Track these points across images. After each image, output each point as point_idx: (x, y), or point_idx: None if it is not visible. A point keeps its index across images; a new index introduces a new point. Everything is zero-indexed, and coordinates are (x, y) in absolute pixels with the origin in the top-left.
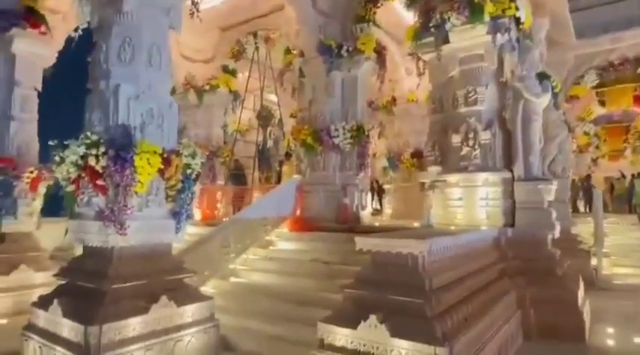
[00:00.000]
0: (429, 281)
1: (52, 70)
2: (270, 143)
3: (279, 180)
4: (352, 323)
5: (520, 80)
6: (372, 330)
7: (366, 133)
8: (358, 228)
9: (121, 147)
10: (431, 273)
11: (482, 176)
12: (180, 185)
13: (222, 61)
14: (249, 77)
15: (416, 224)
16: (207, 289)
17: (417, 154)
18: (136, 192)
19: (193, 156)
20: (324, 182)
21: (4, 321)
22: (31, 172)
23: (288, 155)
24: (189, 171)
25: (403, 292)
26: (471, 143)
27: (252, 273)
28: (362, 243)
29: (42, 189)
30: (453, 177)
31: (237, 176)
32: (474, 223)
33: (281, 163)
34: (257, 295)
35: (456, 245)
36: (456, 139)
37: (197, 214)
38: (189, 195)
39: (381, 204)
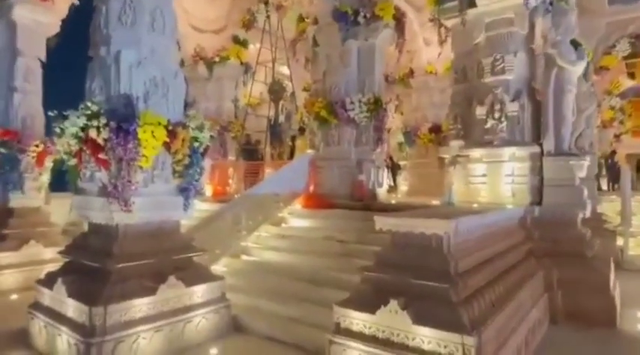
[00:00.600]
0: (455, 264)
1: (56, 39)
2: (282, 118)
3: (291, 156)
4: (371, 307)
5: (554, 46)
6: (392, 316)
7: (384, 106)
8: (374, 205)
9: (123, 118)
10: (456, 255)
11: (509, 151)
12: (187, 160)
13: (232, 32)
14: (260, 48)
15: (435, 202)
16: (217, 267)
17: (435, 129)
18: (141, 167)
19: (201, 128)
20: (338, 157)
21: (15, 297)
22: (37, 146)
23: (301, 130)
24: (196, 145)
25: (427, 276)
26: (497, 115)
27: (265, 251)
28: (382, 222)
29: (49, 163)
30: (476, 152)
31: (249, 151)
32: (498, 201)
33: (294, 138)
34: (269, 274)
35: (483, 225)
36: (480, 111)
37: (208, 190)
38: (198, 170)
39: (395, 181)
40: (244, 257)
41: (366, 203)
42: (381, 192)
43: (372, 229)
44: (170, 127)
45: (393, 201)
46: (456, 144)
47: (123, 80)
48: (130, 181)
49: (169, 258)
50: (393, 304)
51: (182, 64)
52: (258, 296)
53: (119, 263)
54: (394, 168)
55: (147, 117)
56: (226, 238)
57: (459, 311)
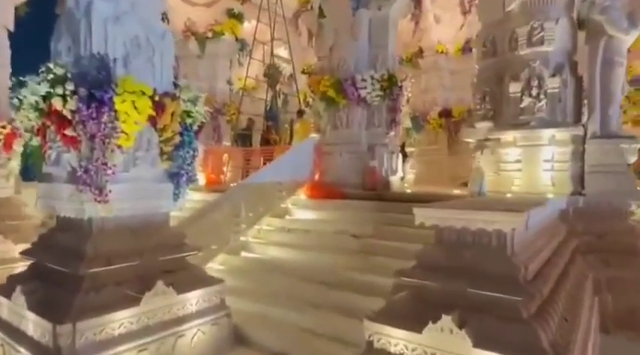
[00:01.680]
0: (524, 269)
1: (25, 8)
2: (278, 102)
3: (290, 142)
4: (414, 323)
5: (602, 12)
6: (445, 336)
7: (399, 84)
8: (388, 195)
9: (96, 84)
10: (523, 258)
11: (548, 133)
12: (178, 138)
13: (226, 5)
14: (257, 23)
15: (457, 191)
16: (214, 266)
17: (446, 113)
18: (120, 147)
19: (195, 101)
20: (347, 141)
21: None
22: (3, 127)
23: (300, 112)
24: (189, 121)
25: (487, 284)
26: (534, 92)
27: (268, 247)
28: (424, 215)
29: (18, 147)
30: (508, 135)
31: (247, 137)
32: (535, 190)
33: (292, 123)
34: (274, 273)
35: (542, 219)
36: (514, 88)
37: (201, 179)
38: (190, 152)
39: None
40: (244, 253)
41: (379, 192)
42: (395, 181)
43: (389, 221)
44: (156, 98)
45: (409, 190)
46: (484, 126)
47: (96, 38)
48: (105, 164)
49: (157, 259)
50: (446, 321)
51: None
52: (264, 301)
53: (93, 266)
54: (402, 155)
55: (127, 84)
56: (223, 232)
57: (534, 331)
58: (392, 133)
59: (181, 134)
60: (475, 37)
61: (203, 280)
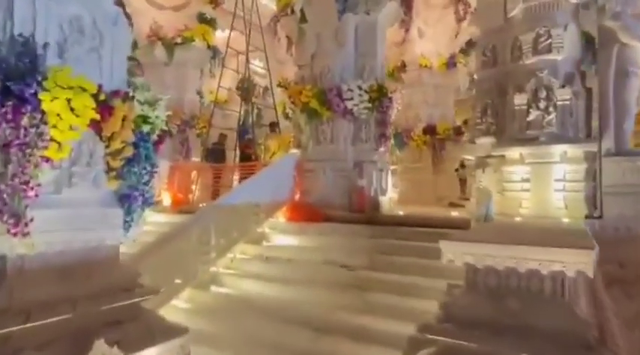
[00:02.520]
0: (595, 327)
1: None
2: (252, 117)
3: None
4: None
5: (615, 18)
6: None
7: (389, 95)
8: (379, 218)
9: (15, 74)
10: (587, 309)
11: (559, 149)
12: (130, 150)
13: (197, 9)
14: (231, 30)
15: (455, 213)
16: (179, 304)
17: (430, 130)
18: (48, 160)
19: (153, 104)
20: (332, 158)
21: None
22: None
23: (273, 126)
24: (146, 129)
25: (546, 346)
26: (542, 105)
27: (242, 280)
28: (454, 250)
29: None
30: (514, 152)
31: (219, 152)
32: (546, 214)
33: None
34: (250, 314)
35: None
36: (519, 100)
37: (166, 199)
38: (147, 168)
39: None
40: (215, 288)
41: (368, 215)
42: (385, 201)
43: (384, 249)
44: (102, 97)
45: (400, 212)
46: (485, 141)
47: (19, 14)
48: (26, 183)
49: (97, 309)
50: None
51: (135, 45)
52: (238, 351)
53: (5, 324)
54: None
55: (60, 76)
56: (190, 263)
57: None
58: (381, 149)
59: (135, 145)
60: (459, 52)
61: (161, 332)
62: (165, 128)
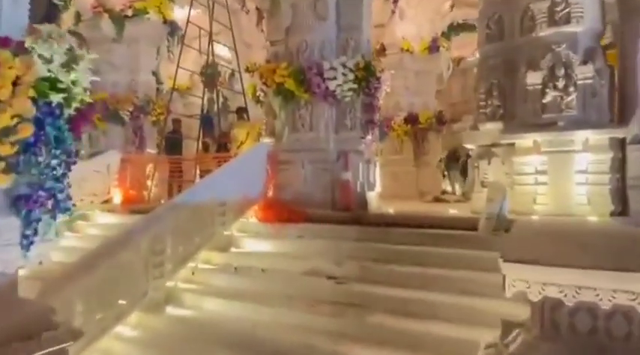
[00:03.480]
0: None
1: None
2: (216, 106)
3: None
4: None
5: None
6: None
7: (377, 75)
8: (368, 217)
9: None
10: None
11: (581, 135)
12: (29, 130)
13: None
14: (191, 3)
15: (453, 211)
16: (124, 332)
17: (412, 119)
18: None
19: (67, 64)
20: (311, 148)
21: None
22: None
23: (240, 112)
24: (56, 99)
25: None
26: (560, 84)
27: (205, 298)
28: (521, 274)
29: None
30: (527, 139)
31: (176, 142)
32: (565, 211)
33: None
34: (215, 345)
35: None
36: (533, 79)
37: (116, 196)
38: (60, 157)
39: None
40: (171, 310)
41: (355, 214)
42: (373, 198)
43: (378, 255)
44: None
45: (391, 210)
46: (491, 128)
47: None
48: None
49: None
50: None
51: (78, 17)
52: None
53: None
54: None
55: None
56: (139, 278)
57: None
58: (368, 137)
59: (39, 123)
60: (441, 34)
61: None
62: (89, 100)
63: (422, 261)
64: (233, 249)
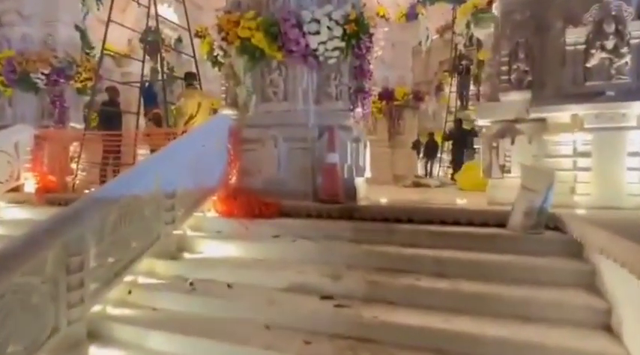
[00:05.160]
0: None
1: None
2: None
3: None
4: None
5: None
6: None
7: (370, 31)
8: (362, 210)
9: None
10: None
11: (636, 108)
12: None
13: None
14: None
15: (459, 201)
16: None
17: (387, 95)
18: None
19: None
20: (286, 122)
21: None
22: None
23: (189, 77)
24: None
25: None
26: (609, 44)
27: (147, 333)
28: None
29: None
30: (563, 113)
31: (112, 115)
32: (612, 203)
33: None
34: None
35: None
36: (574, 37)
37: (29, 184)
38: None
39: None
40: (95, 351)
41: (344, 206)
42: (361, 185)
43: (384, 263)
44: None
45: (384, 200)
46: (515, 98)
47: None
48: None
49: None
50: None
51: None
52: None
53: None
54: None
55: None
56: (44, 311)
57: None
58: (358, 110)
59: None
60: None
61: None
62: None
63: (446, 271)
64: (186, 255)
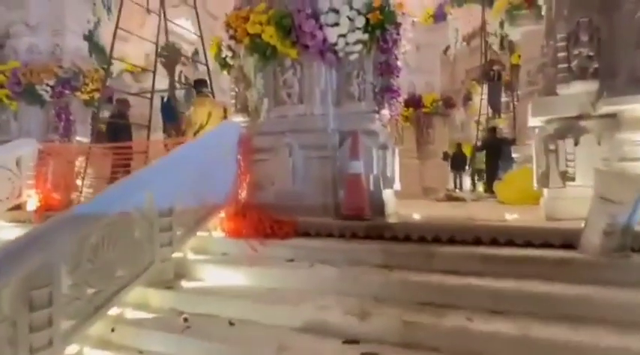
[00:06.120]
0: None
1: None
2: (180, 93)
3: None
4: None
5: None
6: None
7: (395, 20)
8: (391, 228)
9: None
10: None
11: None
12: None
13: None
14: None
15: (509, 216)
16: None
17: (414, 102)
18: None
19: None
20: (302, 128)
21: None
22: None
23: (199, 84)
24: None
25: None
26: None
27: None
28: None
29: None
30: None
31: (123, 128)
32: None
33: None
34: None
35: None
36: None
37: (32, 201)
38: None
39: None
40: None
41: (371, 223)
42: (390, 199)
43: (422, 295)
44: None
45: (416, 216)
46: (578, 90)
47: None
48: None
49: None
50: None
51: None
52: None
53: None
54: None
55: None
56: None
57: None
58: (384, 112)
59: None
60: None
61: None
62: None
63: (505, 307)
64: (185, 283)
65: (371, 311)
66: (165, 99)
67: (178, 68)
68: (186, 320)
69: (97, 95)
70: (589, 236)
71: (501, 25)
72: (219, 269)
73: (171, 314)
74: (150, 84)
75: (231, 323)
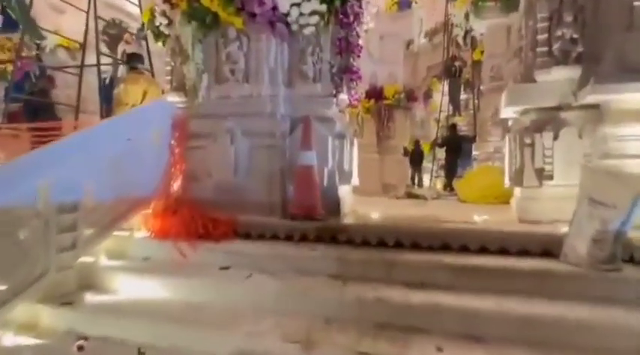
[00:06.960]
0: None
1: None
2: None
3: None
4: None
5: None
6: None
7: None
8: (346, 229)
9: None
10: None
11: None
12: None
13: None
14: None
15: (478, 218)
16: None
17: (376, 94)
18: None
19: None
20: (247, 111)
21: None
22: None
23: (133, 58)
24: None
25: None
26: None
27: None
28: None
29: None
30: (631, 94)
31: (45, 109)
32: None
33: None
34: None
35: None
36: None
37: None
38: None
39: None
40: None
41: (324, 224)
42: (346, 196)
43: (385, 315)
44: None
45: (375, 215)
46: (559, 76)
47: None
48: None
49: None
50: None
51: None
52: None
53: None
54: None
55: None
56: None
57: None
58: (342, 96)
59: None
60: None
61: None
62: None
63: (483, 332)
64: (89, 298)
65: (317, 339)
66: (107, 81)
67: (121, 46)
68: (80, 348)
69: (9, 67)
70: (574, 243)
71: (466, 17)
72: (137, 279)
73: (66, 339)
74: (88, 62)
75: (140, 353)
